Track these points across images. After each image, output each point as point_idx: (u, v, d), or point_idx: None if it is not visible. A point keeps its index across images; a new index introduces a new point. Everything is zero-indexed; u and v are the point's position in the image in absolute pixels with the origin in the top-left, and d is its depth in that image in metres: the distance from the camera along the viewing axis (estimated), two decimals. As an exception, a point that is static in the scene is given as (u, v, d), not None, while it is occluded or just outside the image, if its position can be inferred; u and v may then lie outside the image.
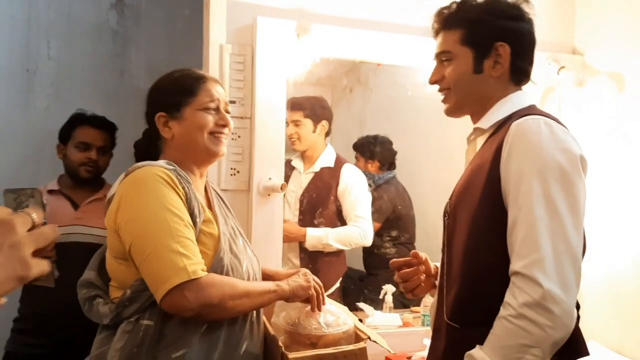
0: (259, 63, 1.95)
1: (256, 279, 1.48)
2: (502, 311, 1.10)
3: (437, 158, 2.83)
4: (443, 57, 1.33)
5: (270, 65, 1.96)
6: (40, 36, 3.07)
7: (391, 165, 2.92)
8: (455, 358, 1.16)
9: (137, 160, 1.57)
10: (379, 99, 2.99)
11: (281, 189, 1.93)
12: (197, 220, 1.33)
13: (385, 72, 2.66)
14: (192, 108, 1.43)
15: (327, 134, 2.59)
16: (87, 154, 2.19)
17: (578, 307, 1.12)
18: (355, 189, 2.51)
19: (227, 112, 1.49)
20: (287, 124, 2.48)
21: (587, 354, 1.17)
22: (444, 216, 1.34)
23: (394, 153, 2.93)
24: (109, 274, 1.40)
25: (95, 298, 1.37)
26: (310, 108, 2.52)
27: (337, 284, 2.54)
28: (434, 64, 1.38)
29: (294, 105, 2.49)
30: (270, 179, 1.95)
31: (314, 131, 2.53)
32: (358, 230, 2.47)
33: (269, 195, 1.96)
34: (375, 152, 2.90)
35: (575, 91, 2.30)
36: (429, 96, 2.61)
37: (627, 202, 2.05)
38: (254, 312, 1.42)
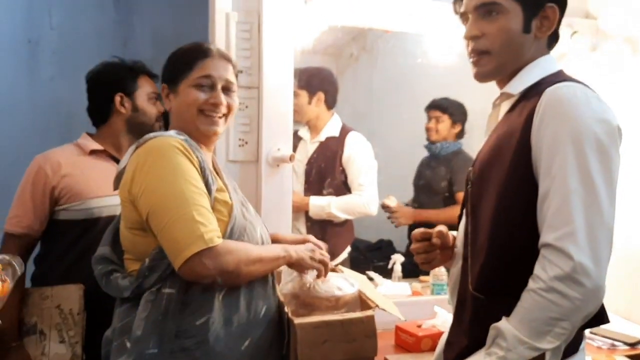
0: (265, 31, 1.91)
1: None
2: (532, 284, 1.07)
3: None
4: (488, 9, 1.20)
5: (277, 33, 1.93)
6: (42, 6, 3.03)
7: (461, 133, 2.74)
8: (481, 330, 1.15)
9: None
10: (386, 67, 2.93)
11: (290, 159, 1.92)
12: (212, 188, 1.33)
13: (394, 39, 2.60)
14: (185, 83, 1.41)
15: (331, 104, 2.57)
16: (160, 107, 1.90)
17: None
18: (358, 158, 2.50)
19: (229, 90, 1.44)
20: (296, 94, 2.45)
21: (608, 321, 1.17)
22: (467, 184, 1.30)
23: (465, 117, 2.72)
24: (123, 246, 1.40)
25: (112, 273, 1.38)
26: (306, 79, 2.49)
27: (346, 254, 2.55)
28: (463, 19, 1.28)
29: (302, 77, 2.46)
30: (279, 149, 1.93)
31: (309, 103, 2.50)
32: (361, 200, 2.45)
33: (277, 165, 1.94)
34: (462, 114, 2.70)
35: (588, 56, 2.25)
36: (439, 64, 2.61)
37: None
38: (270, 276, 1.44)
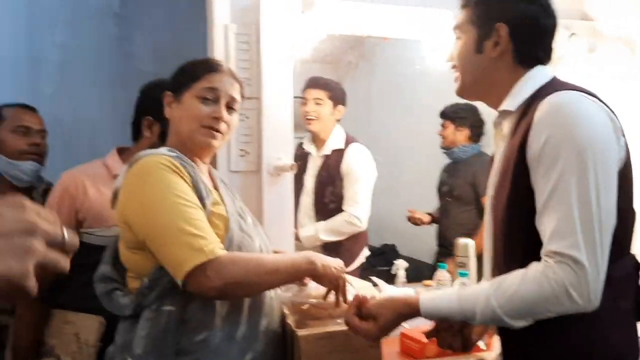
0: (264, 42, 1.93)
1: None
2: (540, 273, 1.07)
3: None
4: (456, 33, 1.33)
5: (275, 44, 1.95)
6: (45, 23, 3.06)
7: (479, 137, 2.73)
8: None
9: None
10: (385, 74, 2.95)
11: (291, 168, 1.93)
12: (206, 202, 1.32)
13: (392, 46, 2.63)
14: (190, 93, 1.40)
15: (339, 119, 2.58)
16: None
17: None
18: (354, 170, 2.49)
19: (232, 108, 1.43)
20: (305, 102, 2.47)
21: None
22: (491, 209, 1.30)
23: (482, 122, 2.71)
24: (124, 265, 1.40)
25: (114, 291, 1.38)
26: (334, 90, 2.50)
27: (363, 259, 2.55)
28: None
29: (318, 83, 2.47)
30: (279, 158, 1.95)
31: (332, 114, 2.51)
32: (344, 219, 2.45)
33: (279, 175, 1.96)
34: (464, 118, 2.71)
35: (586, 58, 2.26)
36: (438, 70, 2.61)
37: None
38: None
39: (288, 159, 1.96)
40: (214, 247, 1.24)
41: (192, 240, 1.23)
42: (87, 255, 1.74)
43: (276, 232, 1.87)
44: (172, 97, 1.43)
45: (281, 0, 1.94)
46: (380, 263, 2.76)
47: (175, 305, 1.29)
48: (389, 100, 2.96)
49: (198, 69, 1.42)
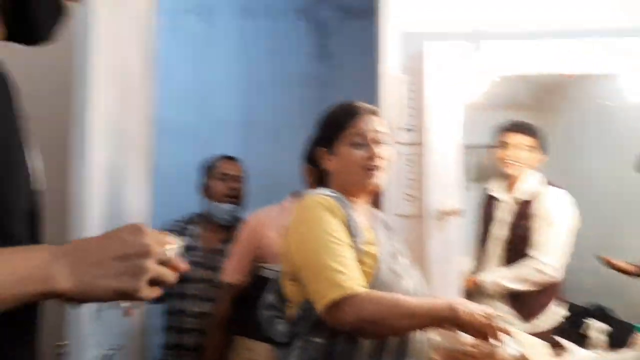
0: (427, 88, 1.96)
1: None
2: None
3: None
4: None
5: (439, 90, 1.96)
6: (258, 88, 3.53)
7: None
8: None
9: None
10: (574, 113, 2.69)
11: (455, 213, 1.88)
12: (357, 240, 1.38)
13: (579, 83, 2.40)
14: (342, 143, 1.49)
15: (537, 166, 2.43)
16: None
17: None
18: (549, 214, 2.28)
19: (381, 141, 1.48)
20: (504, 145, 2.40)
21: None
22: None
23: None
24: (285, 295, 1.51)
25: (275, 318, 1.50)
26: (537, 136, 2.40)
27: (549, 322, 2.30)
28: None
29: (520, 128, 2.39)
30: (444, 203, 1.92)
31: (532, 160, 2.38)
32: (532, 266, 2.22)
33: (443, 220, 1.92)
34: None
35: None
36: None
37: None
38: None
39: (454, 204, 1.92)
40: (354, 283, 1.29)
41: (334, 275, 1.30)
42: (263, 287, 1.95)
43: (439, 279, 1.83)
44: (326, 151, 1.54)
45: (445, 46, 1.96)
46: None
47: (324, 337, 1.36)
48: (581, 141, 2.69)
49: (341, 119, 1.51)
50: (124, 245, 0.68)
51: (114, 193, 1.72)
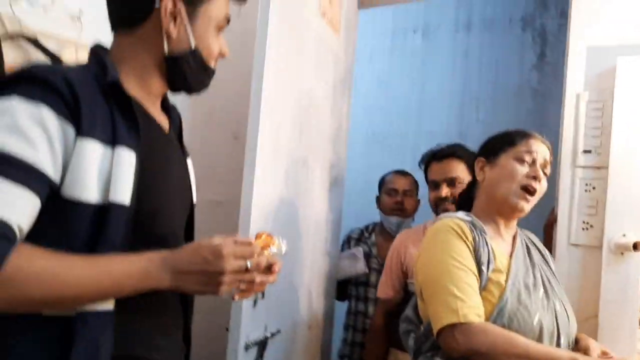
0: (616, 107, 1.79)
1: (557, 338, 1.38)
2: None
3: None
4: None
5: (630, 109, 1.77)
6: (472, 102, 3.52)
7: None
8: None
9: (457, 207, 1.73)
10: None
11: (635, 247, 1.68)
12: (484, 268, 1.38)
13: None
14: (508, 156, 1.47)
15: None
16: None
17: None
18: None
19: (544, 171, 1.46)
20: None
21: None
22: None
23: None
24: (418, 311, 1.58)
25: (410, 332, 1.58)
26: None
27: None
28: None
29: None
30: (624, 235, 1.73)
31: None
32: None
33: (622, 254, 1.73)
34: None
35: None
36: None
37: None
38: None
39: (635, 237, 1.71)
40: (470, 312, 1.30)
41: (452, 300, 1.32)
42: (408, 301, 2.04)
43: (614, 318, 1.66)
44: (485, 161, 1.54)
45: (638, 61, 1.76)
46: None
47: (444, 358, 1.39)
48: None
49: (513, 136, 1.51)
50: (205, 264, 0.92)
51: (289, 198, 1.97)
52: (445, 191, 2.02)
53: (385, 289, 2.19)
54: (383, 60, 3.86)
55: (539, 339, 1.33)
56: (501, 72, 3.45)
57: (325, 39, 2.05)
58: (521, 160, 1.44)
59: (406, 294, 2.12)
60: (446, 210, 1.95)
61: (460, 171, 2.01)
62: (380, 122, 3.82)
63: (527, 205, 1.44)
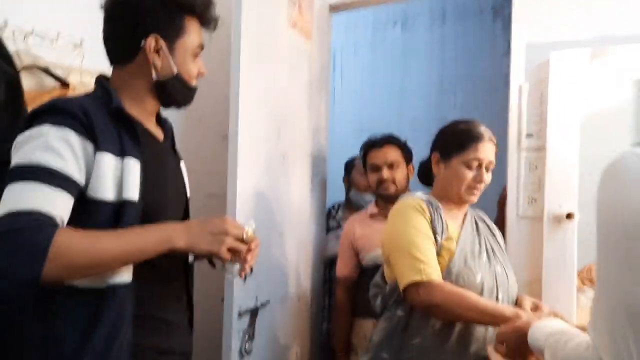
0: (551, 96, 2.04)
1: (496, 294, 1.66)
2: None
3: None
4: None
5: (563, 97, 2.02)
6: (450, 90, 3.78)
7: None
8: None
9: (421, 179, 2.02)
10: None
11: (567, 217, 1.95)
12: (438, 237, 1.67)
13: None
14: (458, 160, 1.73)
15: None
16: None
17: None
18: None
19: (489, 169, 1.73)
20: None
21: None
22: None
23: None
24: (384, 275, 1.88)
25: (378, 295, 1.86)
26: None
27: None
28: None
29: None
30: (560, 206, 1.99)
31: None
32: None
33: (559, 223, 2.00)
34: None
35: None
36: None
37: None
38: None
39: (569, 208, 1.98)
40: (431, 272, 1.59)
41: (416, 262, 1.61)
42: (364, 275, 2.32)
43: (553, 283, 1.95)
44: (440, 158, 1.79)
45: (569, 54, 2.00)
46: None
47: (405, 311, 1.69)
48: None
49: (465, 139, 1.73)
50: (214, 227, 1.20)
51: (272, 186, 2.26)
52: (387, 173, 2.35)
53: (342, 268, 2.48)
54: (366, 53, 4.11)
55: (481, 294, 1.62)
56: (475, 60, 3.70)
57: (297, 46, 2.32)
58: (469, 167, 1.71)
59: (361, 271, 2.43)
60: (387, 190, 2.34)
61: (398, 156, 2.37)
62: (367, 111, 4.09)
63: (475, 197, 1.73)
